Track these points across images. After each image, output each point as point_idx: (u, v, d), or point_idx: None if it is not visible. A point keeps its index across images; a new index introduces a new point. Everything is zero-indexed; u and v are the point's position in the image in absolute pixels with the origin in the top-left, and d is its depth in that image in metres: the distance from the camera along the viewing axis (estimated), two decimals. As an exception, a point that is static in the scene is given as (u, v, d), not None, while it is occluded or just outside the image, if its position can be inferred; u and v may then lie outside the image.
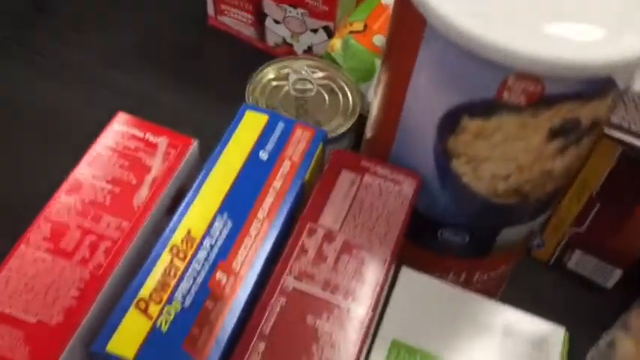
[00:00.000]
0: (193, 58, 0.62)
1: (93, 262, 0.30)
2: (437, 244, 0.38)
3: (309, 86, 0.45)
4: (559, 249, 0.47)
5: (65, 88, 0.58)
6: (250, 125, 0.36)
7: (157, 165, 0.34)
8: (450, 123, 0.31)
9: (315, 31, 0.59)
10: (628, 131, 0.39)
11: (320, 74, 0.48)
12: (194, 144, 0.36)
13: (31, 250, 0.30)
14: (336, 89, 0.48)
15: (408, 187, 0.34)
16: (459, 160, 0.33)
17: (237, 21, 0.63)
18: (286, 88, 0.45)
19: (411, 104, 0.33)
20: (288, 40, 0.61)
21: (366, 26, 0.56)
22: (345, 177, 0.34)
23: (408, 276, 0.36)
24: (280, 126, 0.37)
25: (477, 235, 0.37)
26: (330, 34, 0.59)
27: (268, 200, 0.33)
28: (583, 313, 0.46)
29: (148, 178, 0.33)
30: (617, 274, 0.46)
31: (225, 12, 0.63)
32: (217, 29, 0.65)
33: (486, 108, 0.30)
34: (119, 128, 0.35)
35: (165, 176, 0.34)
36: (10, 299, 0.29)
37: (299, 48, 0.61)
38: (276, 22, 0.60)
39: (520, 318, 0.35)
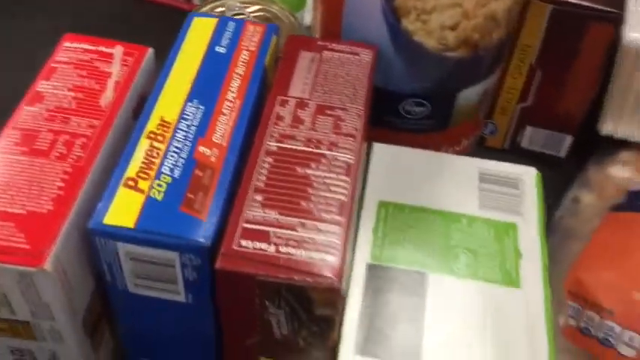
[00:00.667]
0: (125, 29, 0.61)
1: (72, 156, 0.30)
2: (400, 120, 0.40)
3: (245, 19, 0.46)
4: (511, 130, 0.49)
5: (10, 72, 0.56)
6: (201, 28, 0.37)
7: (116, 71, 0.34)
8: (396, -22, 0.33)
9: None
10: (553, -10, 0.42)
11: (254, 7, 0.49)
12: (150, 51, 0.36)
13: (4, 156, 0.29)
14: (272, 18, 0.49)
15: (366, 55, 0.35)
16: (408, 18, 0.34)
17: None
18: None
19: (356, -28, 0.34)
20: (213, -6, 0.61)
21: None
22: (305, 56, 0.35)
23: (381, 149, 0.37)
24: (231, 25, 0.37)
25: (437, 102, 0.39)
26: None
27: (235, 84, 0.33)
28: (545, 186, 0.48)
29: (110, 82, 0.33)
30: (569, 140, 0.48)
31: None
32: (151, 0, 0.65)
33: (429, -50, 0.31)
34: (70, 45, 0.35)
35: (128, 79, 0.33)
36: (-9, 200, 0.28)
37: None
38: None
39: (493, 165, 0.36)
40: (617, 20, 0.42)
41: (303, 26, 0.52)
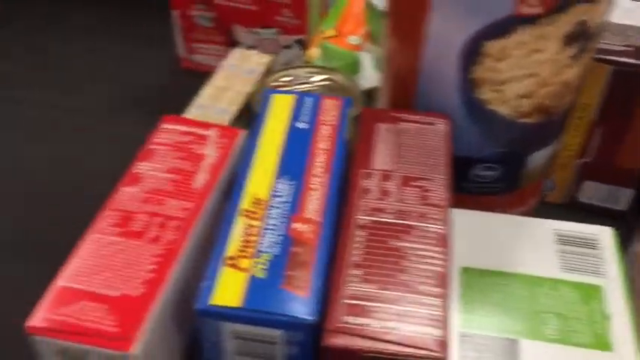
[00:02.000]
0: (178, 102, 0.63)
1: (164, 238, 0.31)
2: (471, 184, 0.40)
3: (310, 88, 0.48)
4: (570, 185, 0.50)
5: (64, 143, 0.58)
6: (280, 105, 0.38)
7: (210, 153, 0.35)
8: (472, 51, 0.34)
9: (288, 47, 0.62)
10: (612, 52, 0.43)
11: (319, 77, 0.50)
12: (241, 133, 0.37)
13: (101, 236, 0.31)
14: (337, 87, 0.50)
15: (440, 125, 0.36)
16: (483, 88, 0.36)
17: (210, 56, 0.66)
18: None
19: (431, 46, 0.35)
20: (265, 61, 0.63)
21: (338, 31, 0.60)
22: (382, 127, 0.37)
23: (460, 215, 0.37)
24: (309, 100, 0.39)
25: (507, 166, 0.39)
26: (304, 46, 0.62)
27: (320, 159, 0.35)
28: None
29: (204, 164, 0.34)
30: (629, 194, 0.49)
31: (197, 50, 0.66)
32: (193, 70, 0.67)
33: (505, 26, 0.33)
34: (168, 127, 0.36)
35: (220, 161, 0.35)
36: (89, 279, 0.29)
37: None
38: (251, 47, 0.63)
39: (569, 226, 0.37)
40: (676, 77, 0.43)
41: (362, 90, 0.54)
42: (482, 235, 0.36)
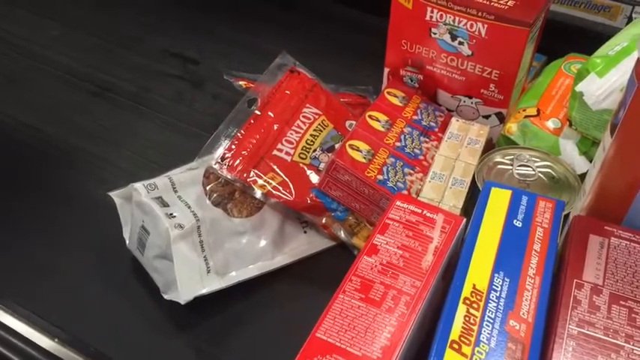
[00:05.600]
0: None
1: (397, 311, 0.37)
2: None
3: (530, 172, 0.51)
4: None
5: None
6: (498, 199, 0.43)
7: (436, 236, 0.40)
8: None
9: (487, 117, 0.66)
10: None
11: (541, 163, 0.53)
12: (464, 221, 0.42)
13: (348, 298, 0.37)
14: (556, 178, 0.52)
15: (652, 247, 0.39)
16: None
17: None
18: (510, 171, 0.51)
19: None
20: (461, 126, 0.68)
21: (538, 111, 0.63)
22: (594, 240, 0.40)
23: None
24: (524, 199, 0.43)
25: None
26: (501, 119, 0.66)
27: (533, 260, 0.39)
28: None
29: (431, 247, 0.40)
30: None
31: (397, 103, 0.71)
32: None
33: None
34: (401, 205, 0.42)
35: (445, 246, 0.40)
36: (339, 335, 0.35)
37: (472, 132, 0.68)
38: (449, 110, 0.68)
39: None
40: None
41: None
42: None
